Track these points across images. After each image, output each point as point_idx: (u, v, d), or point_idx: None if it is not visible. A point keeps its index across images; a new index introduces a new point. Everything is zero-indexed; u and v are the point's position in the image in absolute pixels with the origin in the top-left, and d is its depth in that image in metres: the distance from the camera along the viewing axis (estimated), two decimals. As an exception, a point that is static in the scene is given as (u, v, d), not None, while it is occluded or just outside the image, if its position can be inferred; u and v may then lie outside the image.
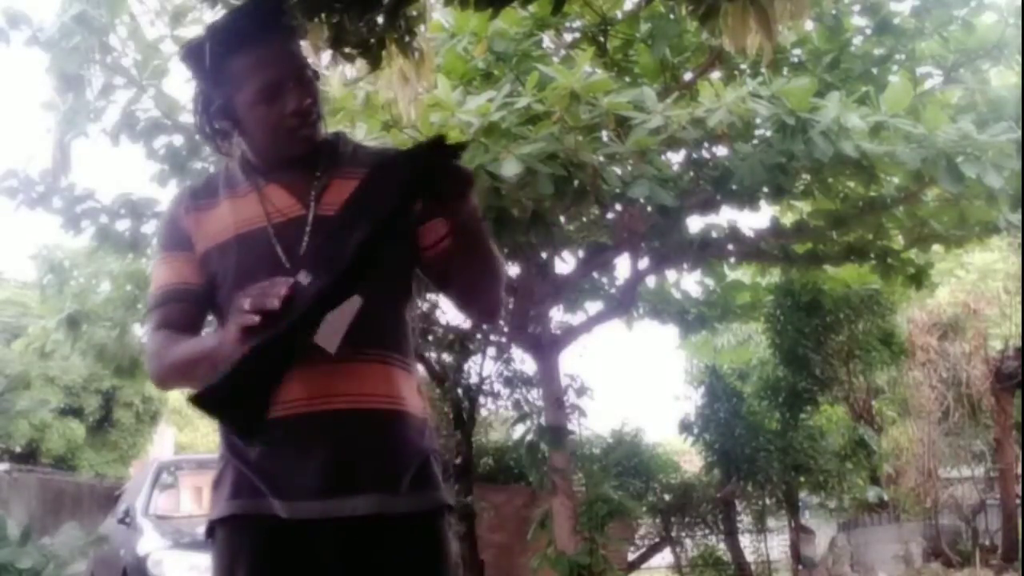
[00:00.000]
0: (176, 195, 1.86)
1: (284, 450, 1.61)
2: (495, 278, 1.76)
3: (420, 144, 1.66)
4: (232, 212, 1.72)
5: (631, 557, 11.19)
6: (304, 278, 1.54)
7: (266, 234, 1.68)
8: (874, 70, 6.25)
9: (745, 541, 11.58)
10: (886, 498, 11.33)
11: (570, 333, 7.78)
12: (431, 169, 1.57)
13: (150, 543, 7.10)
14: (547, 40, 6.34)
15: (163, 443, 18.54)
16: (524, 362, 8.66)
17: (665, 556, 11.98)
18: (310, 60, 1.91)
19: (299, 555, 1.60)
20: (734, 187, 5.52)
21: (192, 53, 1.74)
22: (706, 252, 6.92)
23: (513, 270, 7.18)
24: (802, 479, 10.51)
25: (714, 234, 6.64)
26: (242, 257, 1.69)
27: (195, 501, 8.35)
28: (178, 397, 20.57)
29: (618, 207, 5.87)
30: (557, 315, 8.10)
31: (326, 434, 1.61)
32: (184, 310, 1.73)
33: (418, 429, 1.71)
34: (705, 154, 5.99)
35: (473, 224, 1.69)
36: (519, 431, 8.24)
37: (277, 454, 1.62)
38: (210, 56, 1.70)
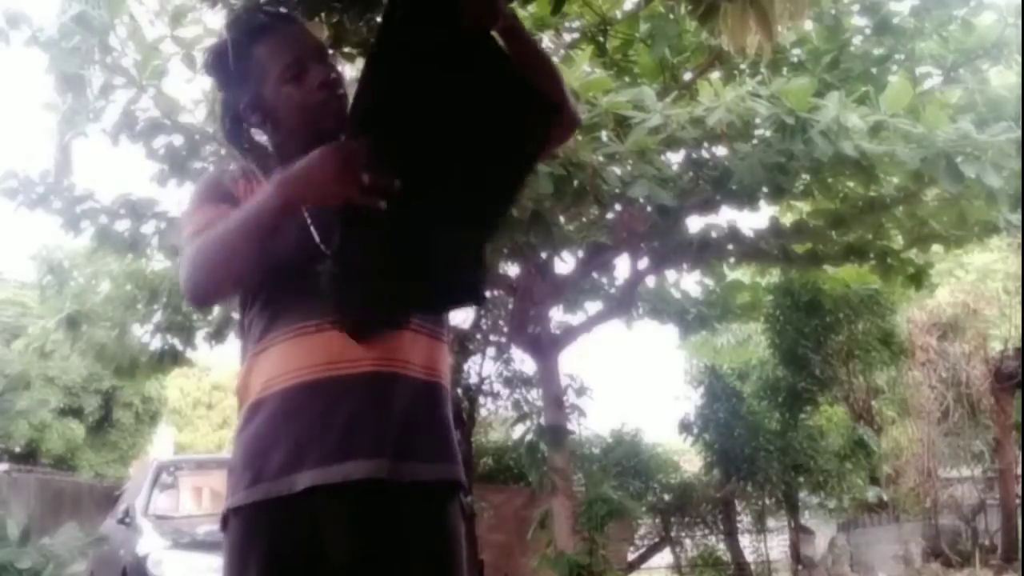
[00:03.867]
0: (212, 170, 1.88)
1: (307, 415, 1.61)
2: (557, 74, 1.77)
3: None
4: None
5: (631, 557, 11.20)
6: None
7: (299, 211, 1.66)
8: (874, 70, 6.25)
9: (745, 541, 11.58)
10: (886, 498, 11.34)
11: (570, 333, 7.78)
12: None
13: (150, 543, 7.11)
14: (547, 40, 6.34)
15: (163, 443, 18.55)
16: (524, 362, 8.67)
17: (665, 556, 11.99)
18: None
19: (312, 537, 1.59)
20: (734, 187, 5.51)
21: (214, 56, 1.79)
22: (706, 252, 6.92)
23: (513, 270, 7.19)
24: (802, 479, 10.51)
25: (714, 234, 6.64)
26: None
27: (194, 501, 8.37)
28: (178, 397, 20.57)
29: (618, 207, 5.87)
30: (557, 315, 8.11)
31: (353, 398, 1.61)
32: None
33: (443, 401, 1.73)
34: (704, 154, 5.98)
35: (518, 26, 1.70)
36: (519, 431, 8.25)
37: (301, 420, 1.61)
38: (232, 51, 1.74)
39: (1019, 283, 9.86)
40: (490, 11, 1.61)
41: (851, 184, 6.00)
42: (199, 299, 1.67)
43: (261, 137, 1.81)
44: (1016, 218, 5.75)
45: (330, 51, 1.83)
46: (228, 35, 1.77)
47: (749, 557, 11.40)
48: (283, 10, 1.83)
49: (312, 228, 1.66)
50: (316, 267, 1.61)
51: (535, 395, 8.31)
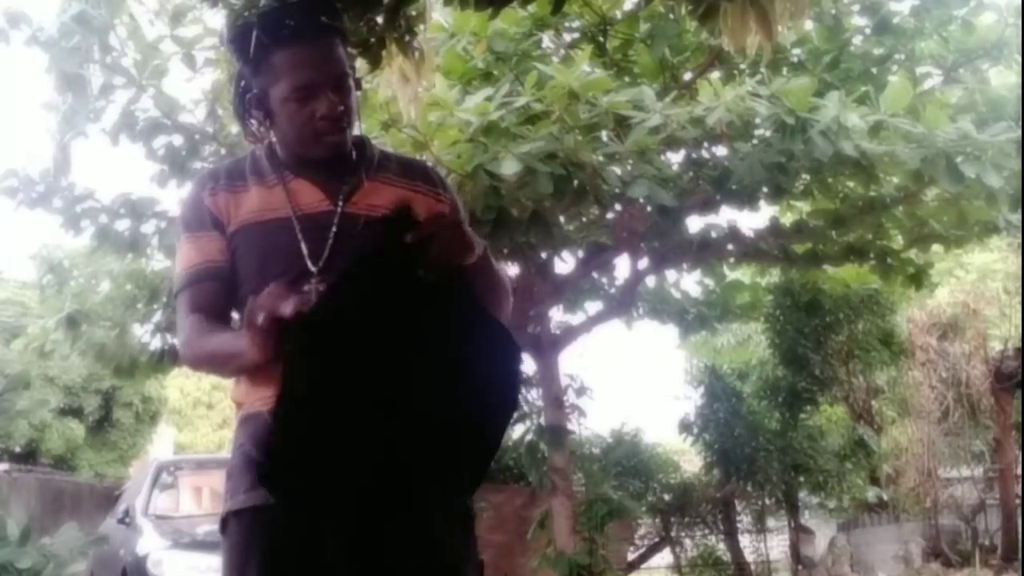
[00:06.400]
0: (198, 178, 1.85)
1: None
2: (503, 298, 1.77)
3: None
4: (259, 198, 1.73)
5: (631, 557, 11.19)
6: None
7: (290, 225, 1.68)
8: (874, 70, 6.25)
9: (745, 541, 11.58)
10: (886, 498, 11.33)
11: (570, 333, 7.78)
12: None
13: (150, 543, 7.11)
14: (546, 40, 6.35)
15: (163, 443, 18.54)
16: (524, 362, 8.67)
17: (665, 556, 11.98)
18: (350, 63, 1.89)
19: (310, 545, 1.59)
20: (734, 187, 5.52)
21: (238, 37, 1.74)
22: (706, 252, 6.92)
23: (513, 270, 7.18)
24: (802, 479, 10.51)
25: (714, 234, 6.64)
26: (265, 243, 1.69)
27: (194, 501, 8.36)
28: (178, 397, 20.56)
29: (618, 207, 5.87)
30: (557, 315, 8.10)
31: None
32: (213, 289, 1.72)
33: None
34: (704, 154, 5.99)
35: (478, 262, 1.67)
36: (519, 431, 8.23)
37: None
38: (254, 44, 1.69)
39: (1019, 283, 9.85)
40: (462, 252, 1.59)
41: (851, 184, 6.01)
42: (194, 370, 1.84)
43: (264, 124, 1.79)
44: (1016, 218, 5.75)
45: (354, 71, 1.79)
46: (255, 27, 1.70)
47: (749, 557, 11.40)
48: (325, 15, 1.74)
49: (303, 248, 1.66)
50: (304, 287, 1.62)
51: (535, 395, 8.30)
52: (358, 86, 1.79)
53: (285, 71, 1.69)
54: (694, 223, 6.60)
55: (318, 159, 1.73)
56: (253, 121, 1.77)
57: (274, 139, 1.78)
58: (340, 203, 1.71)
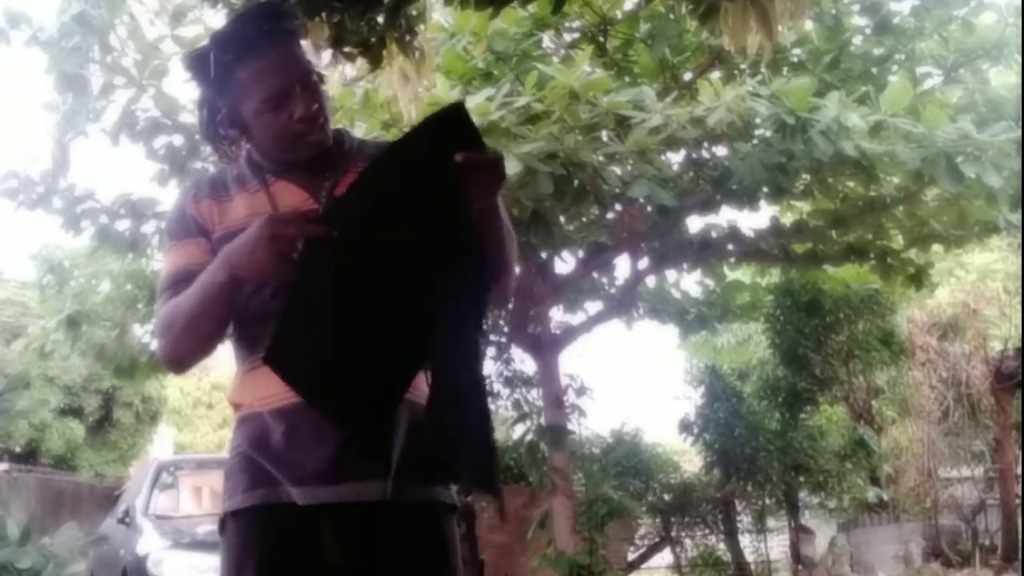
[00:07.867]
0: (184, 187, 1.85)
1: (303, 436, 1.61)
2: (508, 260, 1.75)
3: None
4: (243, 206, 1.73)
5: (631, 557, 11.18)
6: None
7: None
8: (874, 70, 6.26)
9: (745, 541, 11.57)
10: (886, 498, 11.32)
11: (570, 333, 7.78)
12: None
13: (150, 543, 7.11)
14: (547, 40, 6.35)
15: (163, 443, 18.54)
16: (524, 362, 8.66)
17: (665, 556, 11.97)
18: (311, 60, 1.90)
19: (308, 545, 1.60)
20: (734, 187, 5.52)
21: (196, 62, 1.74)
22: (706, 252, 6.92)
23: (513, 270, 7.17)
24: (802, 479, 10.51)
25: (714, 234, 6.64)
26: None
27: (194, 501, 8.37)
28: (178, 397, 20.55)
29: (618, 207, 5.87)
30: (557, 315, 8.11)
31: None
32: None
33: None
34: (705, 154, 5.99)
35: (493, 213, 1.67)
36: (519, 431, 8.24)
37: (296, 440, 1.61)
38: (214, 66, 1.70)
39: (1019, 283, 9.85)
40: (490, 191, 1.62)
41: (851, 184, 6.01)
42: (174, 367, 1.76)
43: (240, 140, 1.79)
44: (1016, 218, 5.75)
45: (329, 61, 1.79)
46: (212, 49, 1.71)
47: (749, 557, 11.39)
48: (277, 22, 1.74)
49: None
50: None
51: (535, 395, 8.31)
52: (322, 80, 1.79)
53: (252, 84, 1.68)
54: (694, 223, 6.62)
55: (300, 163, 1.74)
56: (226, 141, 1.77)
57: (251, 149, 1.78)
58: (324, 200, 1.71)
